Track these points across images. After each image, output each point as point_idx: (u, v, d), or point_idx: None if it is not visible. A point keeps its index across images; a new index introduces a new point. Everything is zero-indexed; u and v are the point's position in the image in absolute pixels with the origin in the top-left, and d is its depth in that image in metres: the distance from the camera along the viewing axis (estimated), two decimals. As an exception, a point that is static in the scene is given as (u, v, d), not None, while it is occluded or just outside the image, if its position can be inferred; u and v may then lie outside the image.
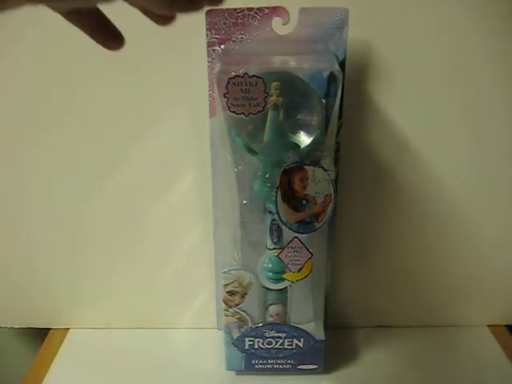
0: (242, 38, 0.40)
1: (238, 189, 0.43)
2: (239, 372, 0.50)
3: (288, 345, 0.47)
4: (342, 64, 0.41)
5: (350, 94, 0.44)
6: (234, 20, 0.39)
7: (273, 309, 0.46)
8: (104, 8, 0.24)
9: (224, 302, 0.46)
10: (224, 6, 0.37)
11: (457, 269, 0.54)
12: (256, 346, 0.47)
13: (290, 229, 0.41)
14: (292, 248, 0.42)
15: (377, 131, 0.48)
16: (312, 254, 0.42)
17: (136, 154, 0.49)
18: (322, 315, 0.48)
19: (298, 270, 0.43)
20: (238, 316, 0.47)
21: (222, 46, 0.40)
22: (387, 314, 0.57)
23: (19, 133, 0.48)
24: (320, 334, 0.47)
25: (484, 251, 0.53)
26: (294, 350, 0.47)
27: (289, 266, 0.43)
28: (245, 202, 0.43)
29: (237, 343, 0.47)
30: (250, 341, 0.47)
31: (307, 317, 0.48)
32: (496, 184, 0.50)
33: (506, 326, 0.57)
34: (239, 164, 0.42)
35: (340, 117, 0.42)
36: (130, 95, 0.47)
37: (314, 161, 0.39)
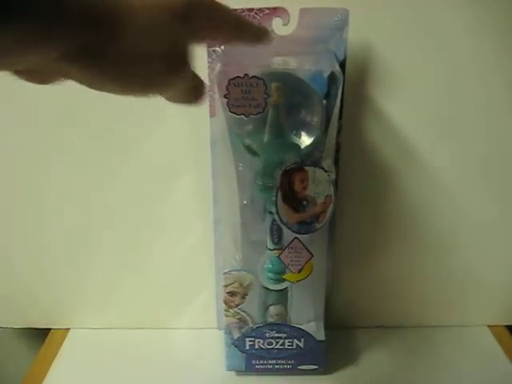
0: (242, 38, 0.40)
1: (238, 189, 0.43)
2: (239, 372, 0.50)
3: (288, 345, 0.47)
4: (343, 64, 0.41)
5: (350, 95, 0.44)
6: (234, 21, 0.39)
7: (273, 309, 0.46)
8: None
9: (224, 302, 0.46)
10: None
11: (457, 269, 0.54)
12: (256, 347, 0.47)
13: (290, 229, 0.40)
14: (292, 249, 0.42)
15: (377, 131, 0.48)
16: (312, 255, 0.42)
17: (136, 154, 0.49)
18: (322, 315, 0.48)
19: (299, 271, 0.43)
20: (238, 316, 0.47)
21: (223, 47, 0.40)
22: (387, 314, 0.57)
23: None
24: (320, 335, 0.47)
25: (484, 251, 0.53)
26: (295, 351, 0.47)
27: (289, 266, 0.43)
28: (245, 202, 0.43)
29: (237, 343, 0.47)
30: (250, 341, 0.47)
31: (308, 317, 0.48)
32: (496, 185, 0.50)
33: (506, 326, 0.57)
34: (239, 164, 0.42)
35: (340, 117, 0.41)
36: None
37: (314, 161, 0.39)
